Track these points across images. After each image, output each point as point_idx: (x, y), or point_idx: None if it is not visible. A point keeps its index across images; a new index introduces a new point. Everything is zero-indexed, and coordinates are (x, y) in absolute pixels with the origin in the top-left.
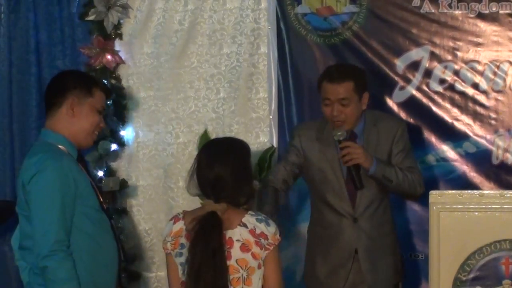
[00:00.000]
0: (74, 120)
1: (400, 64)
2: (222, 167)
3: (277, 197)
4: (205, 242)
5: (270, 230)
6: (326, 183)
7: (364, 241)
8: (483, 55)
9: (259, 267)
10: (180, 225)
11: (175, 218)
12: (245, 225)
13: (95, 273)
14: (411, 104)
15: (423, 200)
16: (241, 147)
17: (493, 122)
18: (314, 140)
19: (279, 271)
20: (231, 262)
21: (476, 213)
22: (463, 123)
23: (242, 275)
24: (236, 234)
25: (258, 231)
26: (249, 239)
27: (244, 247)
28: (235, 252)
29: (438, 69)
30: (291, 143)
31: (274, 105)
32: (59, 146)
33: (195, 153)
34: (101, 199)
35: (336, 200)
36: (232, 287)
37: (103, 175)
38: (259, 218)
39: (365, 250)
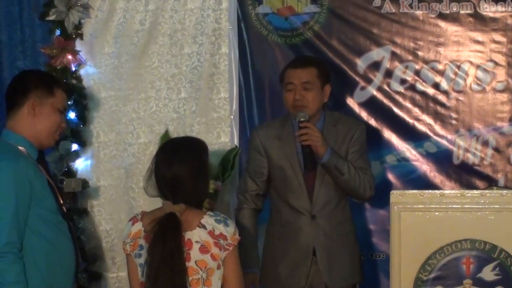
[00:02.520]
0: (36, 120)
1: (361, 64)
2: (180, 167)
3: (255, 219)
4: (164, 244)
5: (229, 230)
6: (285, 180)
7: (322, 239)
8: (444, 55)
9: (218, 268)
10: (138, 226)
11: (133, 219)
12: (204, 226)
13: (49, 276)
14: (372, 104)
15: (385, 200)
16: (200, 146)
17: (454, 122)
18: (274, 139)
19: (239, 270)
20: (190, 264)
21: (437, 213)
22: (424, 123)
23: (201, 276)
24: (195, 236)
25: (217, 232)
26: (208, 240)
27: (203, 249)
28: (194, 254)
29: (399, 69)
30: (252, 146)
31: (235, 105)
32: (19, 148)
33: None
34: (61, 201)
35: (295, 197)
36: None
37: (63, 175)
38: (218, 219)
39: (323, 248)
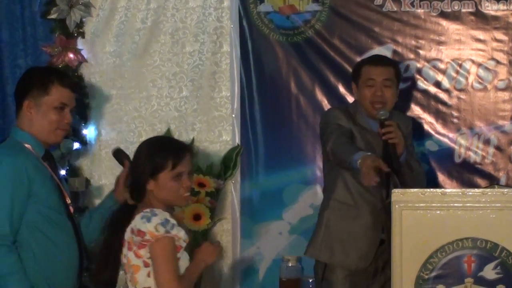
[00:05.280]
0: (34, 121)
1: None
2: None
3: None
4: (105, 238)
5: (149, 226)
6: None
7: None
8: (446, 54)
9: (145, 265)
10: None
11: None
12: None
13: (48, 270)
14: None
15: None
16: (149, 145)
17: (455, 120)
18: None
19: (164, 266)
20: (124, 260)
21: (439, 212)
22: (426, 121)
23: (131, 272)
24: (127, 233)
25: (135, 229)
26: (130, 237)
27: (129, 246)
28: (125, 250)
29: (400, 68)
30: (333, 121)
31: (236, 104)
32: (26, 145)
33: None
34: (68, 201)
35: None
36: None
37: (66, 174)
38: (144, 215)
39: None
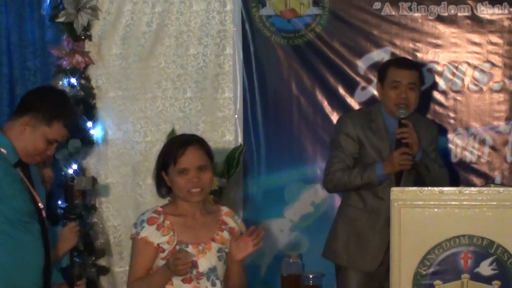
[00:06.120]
0: (22, 137)
1: (361, 65)
2: None
3: None
4: None
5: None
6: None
7: None
8: (442, 56)
9: None
10: None
11: None
12: None
13: (13, 273)
14: (372, 104)
15: None
16: (165, 143)
17: (451, 121)
18: (366, 128)
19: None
20: None
21: (436, 209)
22: None
23: None
24: None
25: None
26: None
27: None
28: None
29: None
30: (344, 132)
31: (239, 105)
32: (1, 149)
33: None
34: (40, 205)
35: (382, 187)
36: None
37: (74, 172)
38: None
39: None
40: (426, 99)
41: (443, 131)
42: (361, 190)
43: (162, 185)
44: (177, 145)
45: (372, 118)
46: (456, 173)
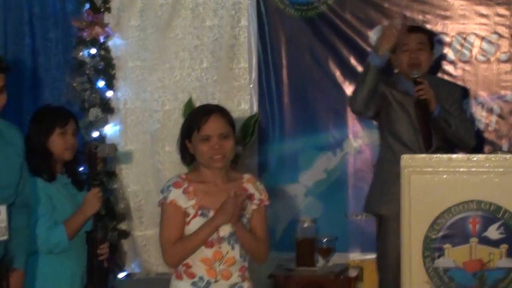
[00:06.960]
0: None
1: (372, 36)
2: None
3: None
4: None
5: None
6: (402, 122)
7: None
8: (451, 28)
9: None
10: None
11: None
12: None
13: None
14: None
15: None
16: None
17: None
18: (390, 87)
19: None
20: None
21: (445, 176)
22: None
23: None
24: None
25: None
26: None
27: None
28: None
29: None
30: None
31: (254, 74)
32: None
33: (180, 119)
34: None
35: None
36: None
37: (94, 140)
38: None
39: None
40: (435, 69)
41: None
42: (392, 145)
43: (186, 153)
44: (200, 114)
45: (394, 80)
46: None
